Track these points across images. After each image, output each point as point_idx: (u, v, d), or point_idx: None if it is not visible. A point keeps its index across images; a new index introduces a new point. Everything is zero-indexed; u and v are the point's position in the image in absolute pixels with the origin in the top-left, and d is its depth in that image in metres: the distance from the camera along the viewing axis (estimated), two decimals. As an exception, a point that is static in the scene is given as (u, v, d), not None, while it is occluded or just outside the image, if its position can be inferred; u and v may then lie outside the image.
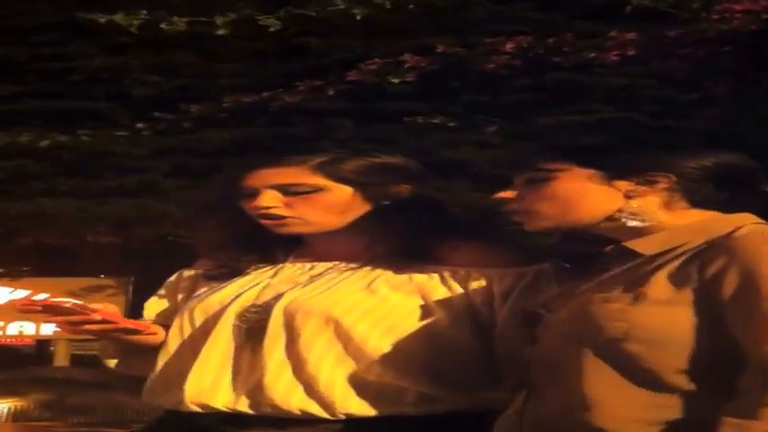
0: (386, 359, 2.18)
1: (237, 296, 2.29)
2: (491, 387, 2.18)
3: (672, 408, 1.75)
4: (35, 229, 11.40)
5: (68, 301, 2.31)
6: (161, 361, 2.33)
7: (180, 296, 2.47)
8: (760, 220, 1.89)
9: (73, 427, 8.77)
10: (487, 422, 2.05)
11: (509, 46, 4.57)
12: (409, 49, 5.00)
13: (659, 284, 1.79)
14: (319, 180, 2.30)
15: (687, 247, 1.83)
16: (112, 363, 2.48)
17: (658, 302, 1.77)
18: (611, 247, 1.91)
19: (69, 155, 11.09)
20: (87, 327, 2.26)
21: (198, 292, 2.39)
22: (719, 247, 1.79)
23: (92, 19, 4.72)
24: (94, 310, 2.25)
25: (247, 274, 2.37)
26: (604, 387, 1.78)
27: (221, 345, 2.24)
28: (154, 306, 2.49)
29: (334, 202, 2.31)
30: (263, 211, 2.30)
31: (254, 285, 2.32)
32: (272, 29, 4.46)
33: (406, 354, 2.19)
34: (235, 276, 2.37)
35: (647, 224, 1.89)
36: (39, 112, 11.57)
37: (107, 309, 2.31)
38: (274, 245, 2.40)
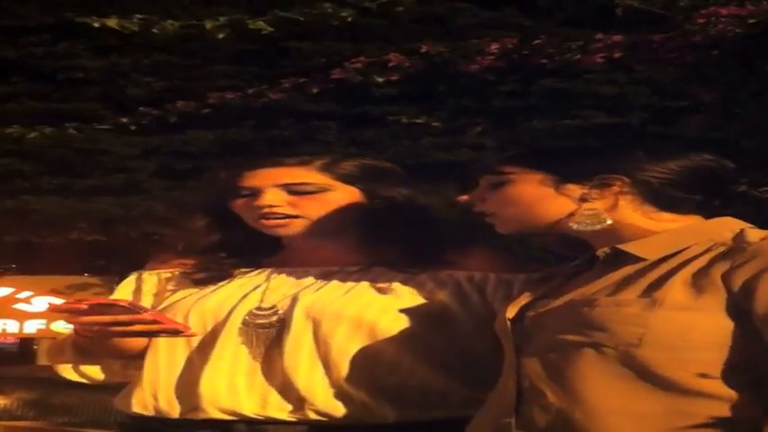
0: (426, 362, 2.16)
1: (242, 298, 2.24)
2: None
3: (697, 414, 1.71)
4: (20, 226, 11.39)
5: (123, 300, 2.17)
6: (151, 368, 2.25)
7: (145, 298, 2.38)
8: (746, 224, 1.87)
9: (56, 426, 8.75)
10: None
11: (494, 47, 4.57)
12: (395, 51, 5.01)
13: (676, 289, 1.76)
14: (326, 179, 2.27)
15: (696, 251, 1.81)
16: (73, 370, 2.39)
17: (677, 307, 1.74)
18: (605, 250, 1.89)
19: (55, 153, 11.08)
20: (136, 327, 2.12)
21: (178, 296, 2.32)
22: (744, 251, 1.76)
23: (85, 22, 4.71)
24: (146, 309, 2.15)
25: (235, 277, 2.32)
26: (617, 393, 1.75)
27: (229, 349, 2.18)
28: None
29: (341, 202, 2.27)
30: (268, 209, 2.25)
31: (255, 288, 2.26)
32: (263, 32, 4.45)
33: (444, 357, 2.17)
34: (223, 280, 2.31)
35: (604, 226, 1.88)
36: (27, 113, 11.57)
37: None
38: (256, 249, 2.35)
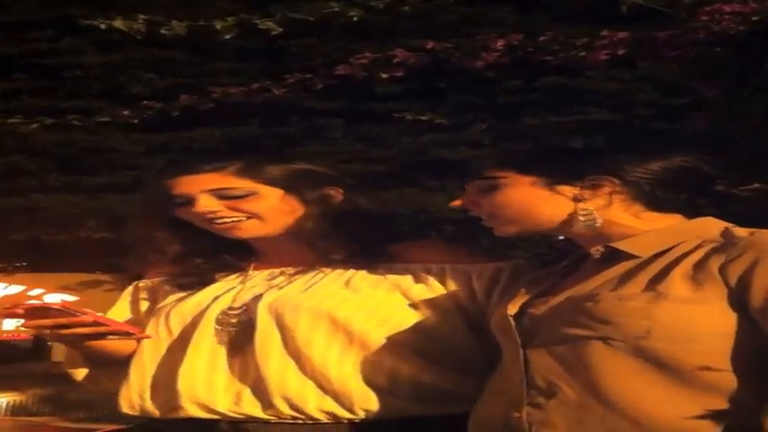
0: (394, 353, 2.17)
1: (214, 299, 2.28)
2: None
3: (703, 403, 1.74)
4: (28, 224, 11.36)
5: (57, 302, 2.19)
6: (137, 369, 2.29)
7: (142, 307, 2.44)
8: (727, 223, 1.92)
9: (71, 421, 8.76)
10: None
11: (499, 43, 4.60)
12: (400, 47, 5.04)
13: (677, 282, 1.80)
14: (249, 184, 2.28)
15: (687, 248, 1.85)
16: (80, 374, 2.43)
17: (680, 300, 1.78)
18: (599, 249, 1.93)
19: (62, 151, 11.07)
20: (78, 330, 2.16)
21: (167, 300, 2.36)
22: (736, 245, 1.80)
23: (91, 24, 4.73)
24: (85, 312, 2.17)
25: (216, 281, 2.36)
26: (635, 383, 1.78)
27: (204, 349, 2.22)
28: (117, 316, 2.40)
29: (272, 204, 2.29)
30: (210, 215, 2.27)
31: (228, 290, 2.31)
32: (273, 32, 4.48)
33: (410, 347, 2.19)
34: (205, 284, 2.35)
35: (599, 226, 1.92)
36: (31, 109, 11.54)
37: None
38: (232, 254, 2.38)
